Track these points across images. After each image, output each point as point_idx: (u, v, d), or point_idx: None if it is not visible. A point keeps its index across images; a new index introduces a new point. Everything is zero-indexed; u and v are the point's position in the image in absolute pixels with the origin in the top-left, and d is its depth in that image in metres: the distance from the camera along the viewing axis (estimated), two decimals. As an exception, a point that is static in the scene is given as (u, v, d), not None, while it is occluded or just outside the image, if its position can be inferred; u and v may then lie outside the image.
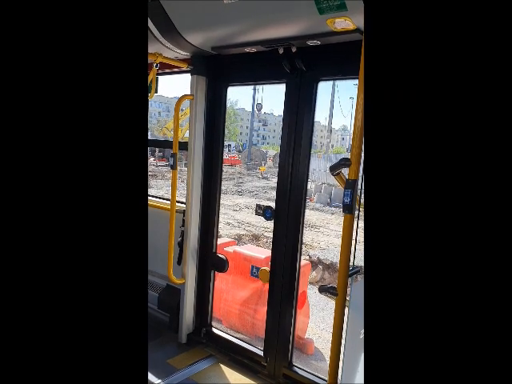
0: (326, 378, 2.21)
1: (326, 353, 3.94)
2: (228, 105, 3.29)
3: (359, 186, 1.87)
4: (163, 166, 22.67)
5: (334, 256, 6.62)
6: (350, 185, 1.89)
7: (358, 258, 2.02)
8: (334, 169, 1.94)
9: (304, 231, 2.79)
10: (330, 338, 2.02)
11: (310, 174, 2.80)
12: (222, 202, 3.35)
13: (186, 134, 3.32)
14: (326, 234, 9.89)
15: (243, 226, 10.07)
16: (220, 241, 3.72)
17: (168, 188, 13.97)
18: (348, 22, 1.98)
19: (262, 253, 3.87)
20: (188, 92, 3.12)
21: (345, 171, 1.98)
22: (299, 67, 2.56)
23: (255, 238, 8.86)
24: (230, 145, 39.35)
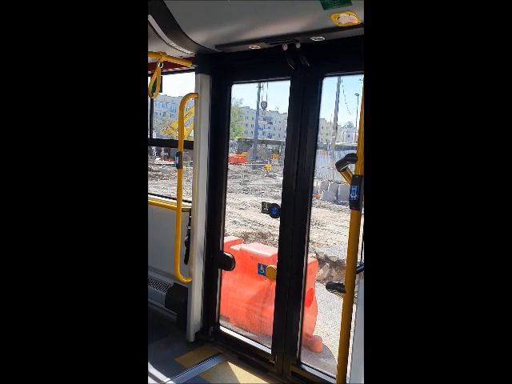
0: (335, 376, 2.20)
1: (334, 350, 3.93)
2: (233, 103, 3.28)
3: (366, 182, 1.85)
4: (169, 165, 22.75)
5: (341, 253, 6.59)
6: (356, 181, 1.87)
7: (366, 255, 2.01)
8: (340, 165, 1.92)
9: (310, 229, 2.77)
10: (338, 336, 2.01)
11: (315, 171, 2.78)
12: (227, 200, 3.35)
13: (191, 134, 3.32)
14: (333, 231, 9.85)
15: (249, 224, 10.07)
16: (226, 239, 3.72)
17: (174, 187, 14.02)
18: (352, 17, 1.96)
19: (268, 251, 3.86)
20: (193, 91, 3.12)
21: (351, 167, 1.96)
22: (304, 63, 2.54)
23: (262, 236, 8.85)
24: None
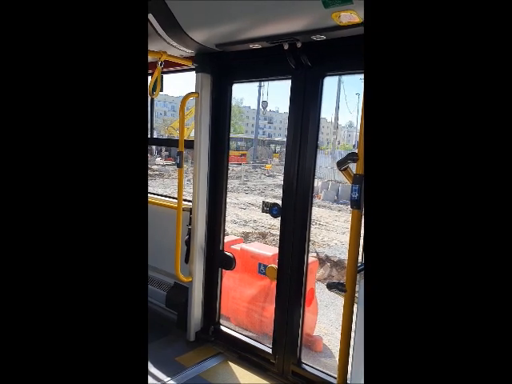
0: (335, 375, 2.20)
1: (335, 350, 3.92)
2: (233, 103, 3.27)
3: (367, 182, 1.85)
4: (169, 165, 22.78)
5: (341, 253, 6.59)
6: (357, 180, 1.87)
7: (367, 254, 2.00)
8: (341, 164, 1.92)
9: (311, 228, 2.77)
10: (338, 335, 2.01)
11: (316, 170, 2.78)
12: (228, 200, 3.35)
13: (192, 134, 3.32)
14: (334, 231, 9.85)
15: (250, 223, 10.06)
16: (227, 239, 3.72)
17: (174, 186, 14.02)
18: (353, 16, 1.95)
19: (269, 250, 3.86)
20: (193, 90, 3.12)
21: (352, 166, 1.96)
22: (304, 63, 2.54)
23: (262, 236, 8.85)
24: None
